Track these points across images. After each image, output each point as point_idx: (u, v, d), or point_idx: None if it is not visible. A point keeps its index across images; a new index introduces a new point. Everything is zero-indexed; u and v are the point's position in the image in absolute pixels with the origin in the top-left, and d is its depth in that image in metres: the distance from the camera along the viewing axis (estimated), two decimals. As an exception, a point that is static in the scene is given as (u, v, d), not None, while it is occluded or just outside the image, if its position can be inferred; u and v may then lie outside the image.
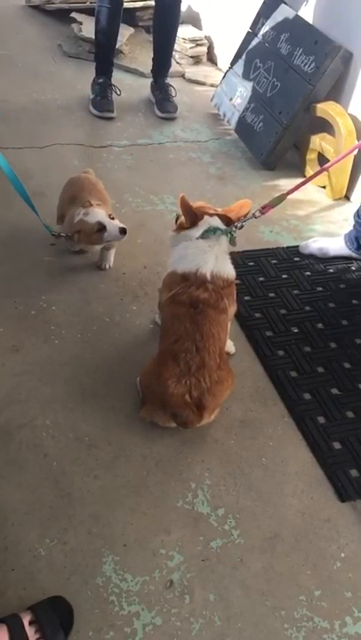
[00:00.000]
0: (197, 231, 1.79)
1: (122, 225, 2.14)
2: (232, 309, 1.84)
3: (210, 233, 1.78)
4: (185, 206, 1.77)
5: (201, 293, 1.71)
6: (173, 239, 1.87)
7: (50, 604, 1.38)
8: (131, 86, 3.84)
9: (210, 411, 1.70)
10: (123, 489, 1.67)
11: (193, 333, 1.68)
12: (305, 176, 3.20)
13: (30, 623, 1.32)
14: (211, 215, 1.81)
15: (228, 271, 1.80)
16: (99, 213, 2.14)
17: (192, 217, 1.79)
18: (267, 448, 1.84)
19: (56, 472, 1.68)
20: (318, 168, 3.15)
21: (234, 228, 1.82)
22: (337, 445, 1.87)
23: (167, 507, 1.65)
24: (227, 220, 1.82)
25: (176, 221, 1.94)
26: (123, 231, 2.13)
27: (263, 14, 3.48)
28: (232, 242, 1.84)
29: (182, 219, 1.85)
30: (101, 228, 2.12)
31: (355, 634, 1.45)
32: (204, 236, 1.77)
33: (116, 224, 2.14)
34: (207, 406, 1.67)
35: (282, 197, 1.88)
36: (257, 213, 1.86)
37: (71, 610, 1.40)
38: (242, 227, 1.85)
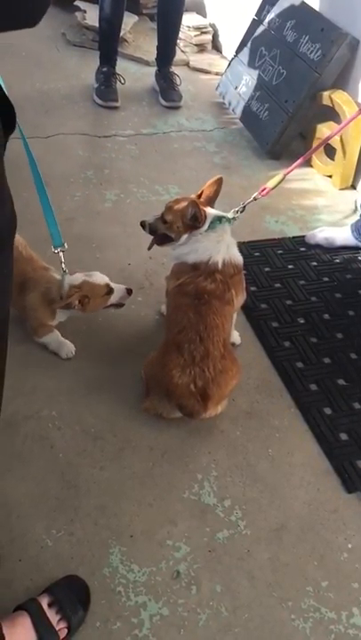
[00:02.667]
0: (205, 225, 1.78)
1: (126, 286, 1.97)
2: (240, 299, 1.84)
3: (216, 223, 1.77)
4: (201, 210, 1.75)
5: (208, 285, 1.71)
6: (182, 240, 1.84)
7: (66, 583, 1.40)
8: (135, 75, 3.81)
9: (215, 400, 1.70)
10: (129, 480, 1.67)
11: (197, 324, 1.68)
12: (311, 165, 3.18)
13: (49, 605, 1.33)
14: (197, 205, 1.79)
15: (238, 257, 1.81)
16: (100, 276, 1.91)
17: (204, 216, 1.78)
18: (273, 439, 1.84)
19: (62, 464, 1.68)
20: (325, 157, 3.14)
21: (237, 214, 1.82)
22: (344, 436, 1.86)
23: (173, 498, 1.65)
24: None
25: (144, 229, 1.90)
26: (129, 292, 1.96)
27: (269, 1, 3.44)
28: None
29: (168, 217, 1.82)
30: (110, 290, 1.91)
31: (362, 625, 1.45)
32: (211, 227, 1.77)
33: (120, 285, 1.96)
34: (212, 396, 1.67)
35: (281, 178, 1.86)
36: (257, 195, 1.85)
37: (87, 586, 1.41)
38: (243, 210, 1.84)
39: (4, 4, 0.51)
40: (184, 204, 1.78)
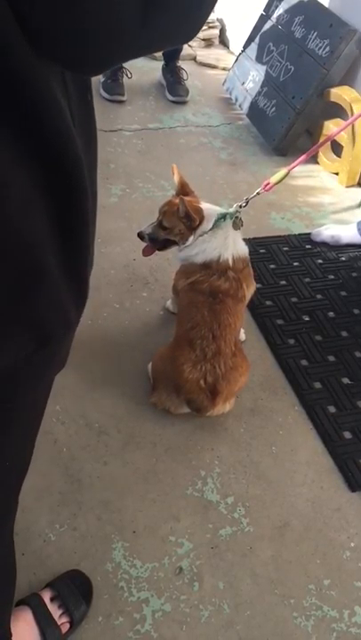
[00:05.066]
0: (208, 223, 1.76)
1: None
2: (252, 289, 1.84)
3: (221, 221, 1.76)
4: (191, 207, 1.73)
5: (222, 283, 1.72)
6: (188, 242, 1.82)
7: (69, 578, 1.40)
8: (141, 69, 3.79)
9: (224, 397, 1.70)
10: (132, 476, 1.67)
11: (210, 322, 1.68)
12: (317, 162, 3.16)
13: (52, 599, 1.34)
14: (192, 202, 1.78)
15: (244, 249, 1.81)
16: None
17: (199, 212, 1.77)
18: (277, 437, 1.83)
19: (66, 458, 1.68)
20: (331, 154, 3.12)
21: (239, 209, 1.81)
22: (348, 435, 1.86)
23: (176, 494, 1.65)
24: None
25: (143, 240, 1.85)
26: None
27: (277, -4, 3.42)
28: (239, 224, 1.82)
29: (167, 223, 1.80)
30: None
31: (364, 623, 1.45)
32: (216, 225, 1.76)
33: None
34: (221, 392, 1.67)
35: (285, 173, 1.85)
36: (260, 190, 1.84)
37: (89, 581, 1.42)
38: (246, 204, 1.83)
39: (181, 25, 0.51)
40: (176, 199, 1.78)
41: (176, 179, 1.85)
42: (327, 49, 2.94)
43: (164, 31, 0.50)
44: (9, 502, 0.94)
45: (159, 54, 3.72)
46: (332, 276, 2.44)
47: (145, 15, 0.45)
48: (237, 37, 4.03)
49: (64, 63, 0.50)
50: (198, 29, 0.52)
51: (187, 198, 1.75)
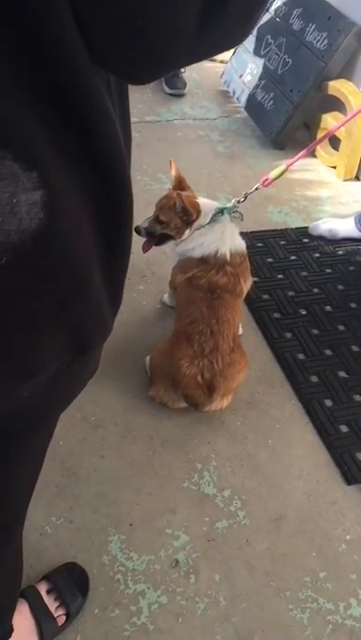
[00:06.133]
0: (206, 217, 1.76)
1: None
2: (249, 283, 1.84)
3: (218, 215, 1.76)
4: (188, 202, 1.72)
5: (220, 279, 1.72)
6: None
7: (65, 570, 1.41)
8: (139, 62, 3.77)
9: (221, 393, 1.70)
10: (129, 469, 1.67)
11: (209, 318, 1.68)
12: (315, 156, 3.16)
13: (48, 592, 1.34)
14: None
15: (242, 244, 1.81)
16: None
17: (196, 207, 1.76)
18: (273, 430, 1.84)
19: (62, 451, 1.68)
20: (329, 148, 3.11)
21: (237, 204, 1.81)
22: (344, 428, 1.86)
23: (173, 487, 1.65)
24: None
25: (140, 234, 1.83)
26: None
27: (275, -12, 3.40)
28: (239, 218, 1.82)
29: (164, 217, 1.79)
30: None
31: (359, 615, 1.46)
32: (214, 219, 1.76)
33: None
34: (218, 388, 1.67)
35: (283, 169, 1.84)
36: (259, 186, 1.83)
37: (86, 573, 1.42)
38: (245, 199, 1.82)
39: (235, 31, 0.51)
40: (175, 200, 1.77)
41: (173, 173, 1.85)
42: (325, 42, 2.93)
43: (218, 38, 0.50)
44: (25, 506, 0.95)
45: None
46: (329, 270, 2.44)
47: (201, 24, 0.45)
48: (235, 30, 4.01)
49: (119, 72, 0.50)
50: (249, 34, 0.52)
51: (183, 193, 1.74)
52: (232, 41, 0.52)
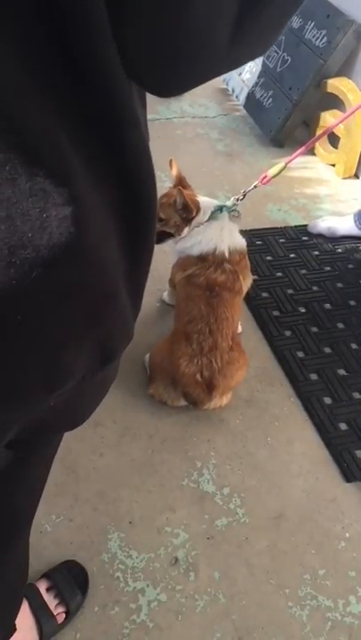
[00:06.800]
0: (205, 215, 1.76)
1: None
2: (248, 282, 1.84)
3: (217, 213, 1.77)
4: (188, 198, 1.73)
5: (218, 276, 1.72)
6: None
7: (65, 568, 1.41)
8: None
9: (220, 391, 1.70)
10: (128, 467, 1.67)
11: (207, 316, 1.68)
12: (314, 154, 3.15)
13: (48, 590, 1.34)
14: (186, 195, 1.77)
15: (241, 242, 1.81)
16: None
17: (195, 204, 1.77)
18: (272, 428, 1.84)
19: (62, 450, 1.65)
20: (328, 145, 3.11)
21: (237, 202, 1.81)
22: (343, 426, 1.86)
23: (172, 485, 1.65)
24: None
25: None
26: None
27: (274, -14, 3.39)
28: (236, 216, 1.82)
29: (163, 214, 1.79)
30: None
31: (358, 613, 1.46)
32: (212, 217, 1.76)
33: None
34: (217, 386, 1.67)
35: (282, 166, 1.84)
36: (258, 183, 1.83)
37: (85, 571, 1.43)
38: (243, 197, 1.82)
39: (264, 42, 0.51)
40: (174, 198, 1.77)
41: (174, 172, 1.85)
42: (324, 39, 2.92)
43: (248, 49, 0.50)
44: (33, 511, 0.97)
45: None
46: (328, 268, 2.44)
47: (234, 37, 0.45)
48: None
49: (150, 86, 0.50)
50: (275, 41, 0.52)
51: (183, 191, 1.74)
52: (259, 51, 0.52)
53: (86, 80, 0.43)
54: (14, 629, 1.15)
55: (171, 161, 1.86)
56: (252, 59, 0.54)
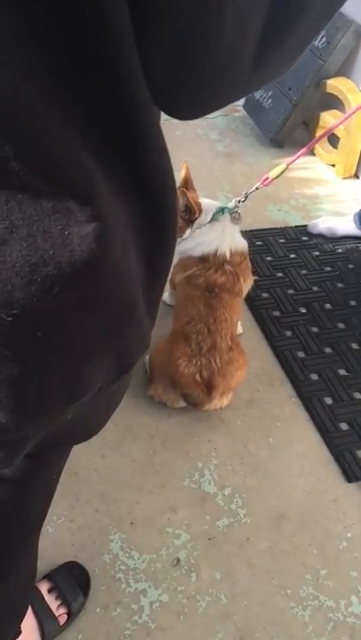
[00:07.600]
0: (206, 216, 1.77)
1: None
2: (248, 284, 1.85)
3: (219, 214, 1.77)
4: (191, 199, 1.73)
5: (218, 277, 1.72)
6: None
7: (66, 569, 1.41)
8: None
9: (220, 391, 1.70)
10: (129, 468, 1.67)
11: (206, 317, 1.69)
12: (314, 154, 3.15)
13: (49, 591, 1.34)
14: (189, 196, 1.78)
15: (243, 244, 1.81)
16: None
17: (198, 205, 1.77)
18: (273, 428, 1.84)
19: (63, 450, 1.68)
20: (328, 146, 3.11)
21: (238, 204, 1.81)
22: (344, 426, 1.86)
23: (174, 486, 1.65)
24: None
25: None
26: None
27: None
28: (237, 218, 1.82)
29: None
30: None
31: (360, 613, 1.46)
32: (214, 218, 1.76)
33: None
34: (217, 386, 1.67)
35: (284, 168, 1.85)
36: (259, 185, 1.84)
37: (87, 572, 1.43)
38: (245, 199, 1.83)
39: (284, 66, 0.52)
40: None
41: (183, 174, 1.85)
42: (324, 40, 2.92)
43: (268, 74, 0.51)
44: (44, 514, 0.97)
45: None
46: (328, 268, 2.44)
47: (255, 64, 0.46)
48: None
49: (172, 111, 0.50)
50: (294, 63, 0.53)
51: (187, 192, 1.75)
52: (278, 74, 0.53)
53: (116, 110, 0.43)
54: (19, 632, 1.15)
55: (184, 163, 1.86)
56: (262, 86, 0.55)
